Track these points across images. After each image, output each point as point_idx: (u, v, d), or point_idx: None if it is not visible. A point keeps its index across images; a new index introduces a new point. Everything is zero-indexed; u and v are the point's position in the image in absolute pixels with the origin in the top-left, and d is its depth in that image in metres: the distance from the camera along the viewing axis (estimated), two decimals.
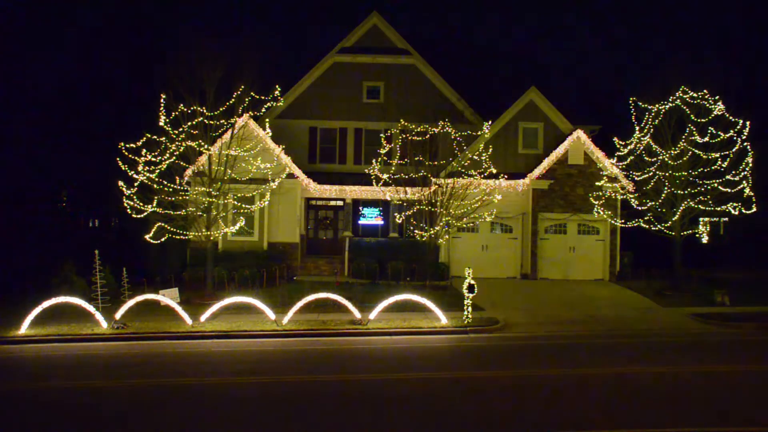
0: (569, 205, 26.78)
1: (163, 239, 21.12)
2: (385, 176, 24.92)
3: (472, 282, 17.50)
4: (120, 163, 20.30)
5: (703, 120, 22.58)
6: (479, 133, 26.04)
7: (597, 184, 25.95)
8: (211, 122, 21.44)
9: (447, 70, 29.97)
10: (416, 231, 24.41)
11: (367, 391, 11.59)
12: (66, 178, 36.58)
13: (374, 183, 25.79)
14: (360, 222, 28.91)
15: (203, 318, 17.68)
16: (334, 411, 10.35)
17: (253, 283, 22.76)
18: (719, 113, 22.76)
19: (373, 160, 25.98)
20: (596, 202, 25.31)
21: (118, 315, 16.95)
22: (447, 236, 25.65)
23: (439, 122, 24.75)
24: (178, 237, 21.23)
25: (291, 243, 26.81)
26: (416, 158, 24.76)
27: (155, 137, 20.66)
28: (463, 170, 24.74)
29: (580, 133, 26.73)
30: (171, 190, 21.07)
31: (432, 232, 23.67)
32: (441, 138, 25.03)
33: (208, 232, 21.45)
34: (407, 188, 24.21)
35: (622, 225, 25.28)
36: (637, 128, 23.74)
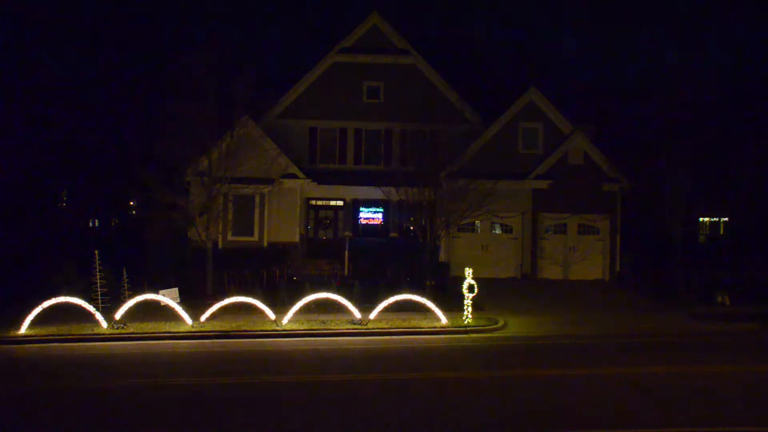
0: (569, 205, 26.73)
1: (162, 239, 21.12)
2: (385, 176, 24.90)
3: (472, 282, 17.48)
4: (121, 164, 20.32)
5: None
6: (479, 133, 26.04)
7: (597, 184, 25.95)
8: (211, 122, 21.41)
9: (447, 70, 29.95)
10: (416, 231, 24.39)
11: (366, 390, 11.58)
12: (66, 177, 36.55)
13: (374, 183, 25.74)
14: (360, 222, 28.89)
15: (203, 318, 17.68)
16: (330, 410, 10.34)
17: (253, 283, 22.71)
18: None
19: (373, 160, 25.99)
20: (596, 202, 25.32)
21: (118, 315, 16.94)
22: (447, 236, 25.63)
23: (439, 122, 24.72)
24: (177, 237, 21.24)
25: (291, 243, 26.79)
26: (416, 158, 24.74)
27: (156, 137, 20.67)
28: (463, 170, 24.71)
29: (580, 133, 26.72)
30: (171, 190, 21.07)
31: (432, 232, 23.65)
32: (441, 138, 25.01)
33: (208, 232, 21.43)
34: (407, 188, 24.19)
35: (622, 225, 25.29)
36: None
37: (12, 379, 12.91)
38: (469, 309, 17.61)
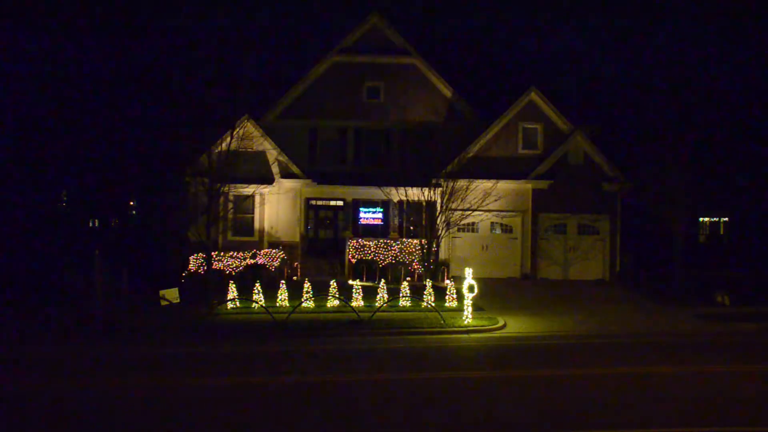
0: (569, 205, 26.76)
1: (162, 239, 21.12)
2: (385, 176, 24.91)
3: (472, 282, 17.48)
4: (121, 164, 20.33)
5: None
6: (479, 133, 26.03)
7: (597, 184, 25.95)
8: (211, 122, 21.41)
9: (447, 70, 29.97)
10: (416, 231, 24.40)
11: (365, 390, 11.57)
12: (66, 178, 36.56)
13: (374, 183, 25.74)
14: (360, 222, 28.88)
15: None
16: (328, 409, 10.34)
17: (253, 282, 22.73)
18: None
19: (373, 160, 26.00)
20: (596, 202, 25.34)
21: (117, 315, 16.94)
22: (447, 236, 25.63)
23: (439, 122, 24.74)
24: (177, 237, 21.24)
25: (291, 243, 26.80)
26: (416, 158, 24.75)
27: (156, 137, 20.68)
28: (463, 170, 24.74)
29: (580, 133, 26.73)
30: (171, 190, 21.07)
31: (432, 232, 23.65)
32: (441, 138, 25.03)
33: (208, 232, 21.41)
34: (407, 188, 24.21)
35: (622, 225, 25.29)
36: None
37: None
38: (469, 309, 17.60)
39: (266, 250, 25.45)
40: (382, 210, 28.79)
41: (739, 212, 26.15)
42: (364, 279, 24.87)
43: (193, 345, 15.50)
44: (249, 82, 21.66)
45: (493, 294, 22.44)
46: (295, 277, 25.60)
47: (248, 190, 25.02)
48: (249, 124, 24.79)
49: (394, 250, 26.16)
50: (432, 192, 24.36)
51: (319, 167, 28.79)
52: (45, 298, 16.80)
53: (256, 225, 26.42)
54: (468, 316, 17.58)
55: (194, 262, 23.53)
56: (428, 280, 20.34)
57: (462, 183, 24.29)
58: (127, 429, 9.61)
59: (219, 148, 22.11)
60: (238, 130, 22.58)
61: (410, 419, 9.92)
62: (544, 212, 26.96)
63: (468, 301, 17.56)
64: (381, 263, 25.47)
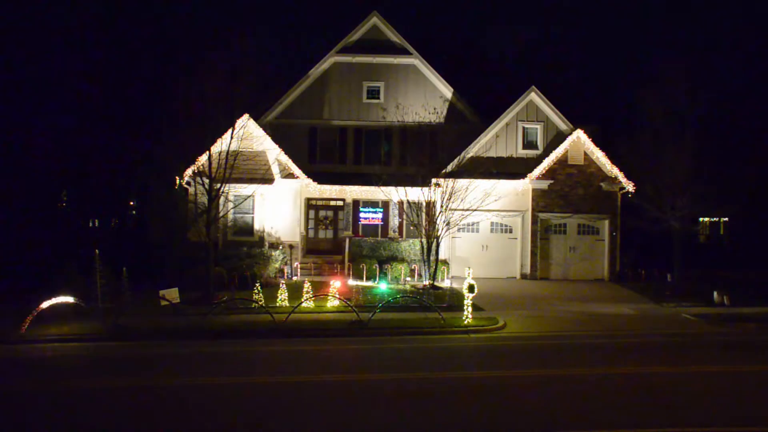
0: (569, 205, 26.79)
1: (162, 239, 21.11)
2: (385, 176, 24.92)
3: (472, 282, 17.48)
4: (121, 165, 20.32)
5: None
6: (479, 133, 26.04)
7: (597, 184, 25.97)
8: (211, 122, 21.40)
9: (447, 70, 29.99)
10: (416, 231, 24.39)
11: (367, 390, 11.58)
12: (66, 178, 36.57)
13: (374, 183, 25.77)
14: (360, 222, 28.90)
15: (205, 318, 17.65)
16: (329, 410, 10.34)
17: (253, 283, 22.74)
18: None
19: (373, 160, 26.01)
20: (596, 202, 25.37)
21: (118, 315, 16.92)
22: (447, 236, 25.65)
23: (439, 122, 24.75)
24: (177, 237, 21.23)
25: (291, 243, 26.82)
26: (416, 158, 24.76)
27: (156, 137, 20.68)
28: (463, 170, 24.75)
29: (580, 133, 26.75)
30: (171, 190, 21.07)
31: (432, 232, 23.66)
32: (441, 138, 25.05)
33: (208, 232, 21.42)
34: (407, 188, 24.21)
35: (622, 225, 25.30)
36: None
37: (13, 379, 12.89)
38: (469, 309, 17.61)
39: (266, 250, 25.43)
40: (382, 210, 28.81)
41: (739, 212, 26.14)
42: (364, 279, 24.87)
43: (193, 345, 15.50)
44: (249, 82, 21.61)
45: (493, 294, 22.44)
46: (295, 277, 25.60)
47: (248, 190, 25.01)
48: (249, 123, 24.80)
49: (394, 250, 26.15)
50: (432, 192, 24.38)
51: (319, 167, 28.82)
52: (45, 298, 16.76)
53: (256, 225, 26.44)
54: (468, 316, 17.58)
55: (194, 262, 23.50)
56: (428, 280, 20.36)
57: (462, 183, 24.30)
58: (125, 428, 9.63)
59: (219, 148, 22.10)
60: (238, 130, 22.57)
61: (408, 419, 9.92)
62: (544, 212, 26.99)
63: (468, 301, 17.56)
64: (381, 263, 25.46)
